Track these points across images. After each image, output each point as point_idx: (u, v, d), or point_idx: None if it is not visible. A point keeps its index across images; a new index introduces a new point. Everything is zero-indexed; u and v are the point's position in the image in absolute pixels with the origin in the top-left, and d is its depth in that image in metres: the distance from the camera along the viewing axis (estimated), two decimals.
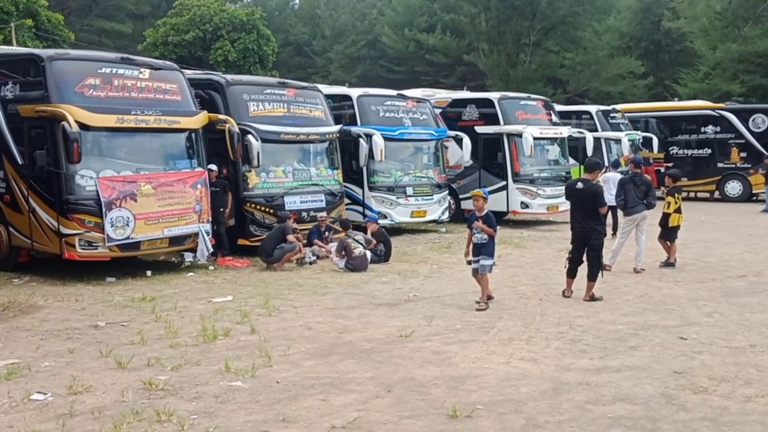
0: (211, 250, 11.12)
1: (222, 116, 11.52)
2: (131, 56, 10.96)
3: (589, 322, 7.73)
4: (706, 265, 11.57)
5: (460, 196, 17.58)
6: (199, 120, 11.07)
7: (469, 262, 8.65)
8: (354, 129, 14.49)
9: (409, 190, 15.20)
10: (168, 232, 10.38)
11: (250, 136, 11.66)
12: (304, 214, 12.59)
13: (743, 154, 24.43)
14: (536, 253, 12.94)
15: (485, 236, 8.38)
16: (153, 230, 10.19)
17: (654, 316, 8.01)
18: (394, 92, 16.45)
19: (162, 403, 5.10)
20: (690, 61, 40.06)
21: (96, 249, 9.85)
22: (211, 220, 11.06)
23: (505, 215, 17.72)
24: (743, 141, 24.43)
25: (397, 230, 15.34)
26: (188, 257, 11.30)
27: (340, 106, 15.22)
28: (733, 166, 24.64)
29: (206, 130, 11.27)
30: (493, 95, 18.17)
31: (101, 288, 9.61)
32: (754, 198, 23.97)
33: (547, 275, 10.61)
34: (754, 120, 24.50)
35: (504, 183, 16.99)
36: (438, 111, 17.23)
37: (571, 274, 9.09)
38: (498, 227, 16.58)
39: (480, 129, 17.25)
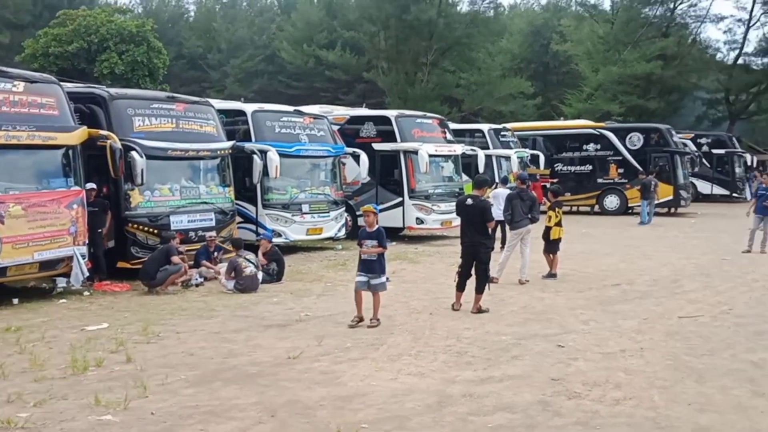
0: (87, 274, 10.48)
1: (103, 132, 10.98)
2: (4, 68, 10.28)
3: (475, 334, 7.95)
4: (585, 275, 12.19)
5: (357, 213, 17.68)
6: (77, 136, 10.47)
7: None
8: (248, 145, 14.27)
9: (305, 207, 15.11)
10: (39, 256, 9.67)
11: (133, 153, 11.14)
12: (192, 233, 12.16)
13: (621, 171, 26.11)
14: (430, 268, 13.19)
15: (375, 253, 8.40)
16: (22, 254, 9.45)
17: (536, 326, 8.35)
18: (290, 108, 16.36)
19: None
20: (575, 83, 42.38)
21: None
22: (87, 242, 10.48)
23: (401, 231, 18.02)
24: (621, 158, 26.10)
25: (293, 248, 15.21)
26: (61, 282, 10.53)
27: (233, 122, 14.95)
28: (612, 181, 26.27)
29: (86, 146, 10.67)
30: (390, 113, 18.48)
31: None
32: (630, 211, 25.58)
33: (439, 289, 10.81)
34: (630, 138, 26.23)
35: (400, 199, 17.28)
36: (336, 128, 17.29)
37: (460, 287, 9.32)
38: (393, 243, 17.04)
39: (377, 146, 17.48)
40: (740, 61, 46.16)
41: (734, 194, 33.83)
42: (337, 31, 45.46)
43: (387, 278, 10.99)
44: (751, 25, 44.90)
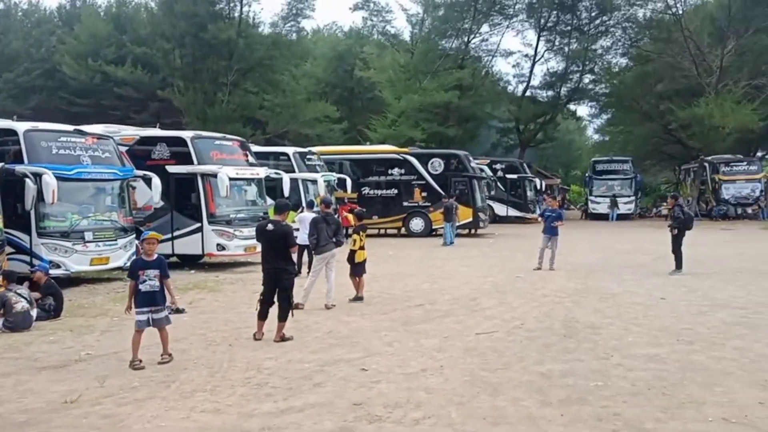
0: None
1: None
2: None
3: (277, 364, 7.80)
4: (390, 296, 12.58)
5: None
6: None
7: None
8: (19, 168, 12.99)
9: (89, 235, 14.02)
10: None
11: None
12: None
13: (425, 194, 27.60)
14: (231, 297, 12.83)
15: (158, 283, 7.86)
16: None
17: (340, 351, 8.40)
18: (70, 127, 15.14)
19: None
20: (379, 109, 44.25)
21: None
22: None
23: (201, 258, 17.39)
24: (424, 182, 27.58)
25: (75, 281, 14.02)
26: None
27: (3, 142, 13.63)
28: (417, 204, 27.67)
29: None
30: (186, 134, 17.85)
31: None
32: (434, 233, 27.05)
33: (240, 319, 10.53)
34: (432, 163, 27.83)
35: (199, 225, 16.72)
36: (124, 149, 16.34)
37: (262, 315, 9.14)
38: (192, 271, 16.39)
39: (172, 169, 16.78)
40: (528, 93, 51.23)
41: (527, 215, 37.25)
42: (128, 47, 43.26)
43: (183, 309, 10.56)
44: (536, 60, 50.15)
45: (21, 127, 14.04)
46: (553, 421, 5.78)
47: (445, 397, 6.49)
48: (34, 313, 10.04)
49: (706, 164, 39.62)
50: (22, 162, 13.27)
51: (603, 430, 5.54)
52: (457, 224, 25.27)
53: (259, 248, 16.29)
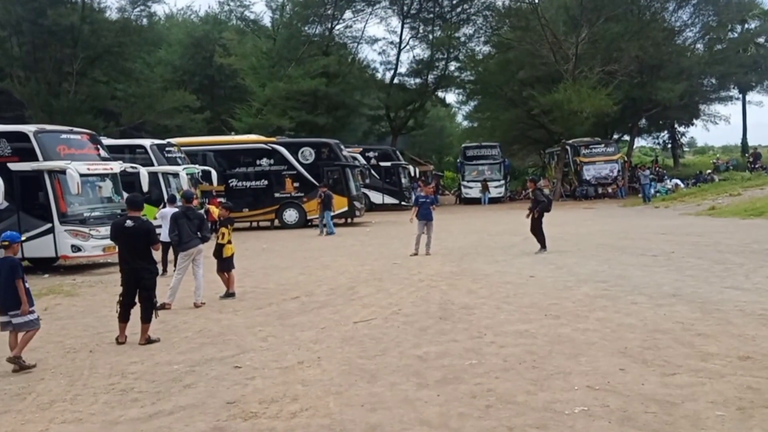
0: None
1: None
2: None
3: (143, 368, 7.56)
4: (264, 291, 12.48)
5: None
6: None
7: None
8: None
9: None
10: None
11: None
12: None
13: (297, 184, 27.49)
14: (90, 300, 12.26)
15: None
16: None
17: (212, 350, 8.26)
18: None
19: None
20: (244, 97, 43.43)
21: None
22: None
23: (55, 261, 16.44)
24: (295, 172, 27.45)
25: None
26: None
27: None
28: (289, 195, 27.50)
29: None
30: (28, 128, 16.72)
31: None
32: (309, 223, 27.06)
33: (101, 323, 10.10)
34: (302, 153, 27.76)
35: (50, 225, 15.81)
36: None
37: (124, 318, 8.83)
38: (46, 275, 15.49)
39: (14, 166, 15.72)
40: (396, 80, 52.22)
41: (402, 203, 38.05)
42: None
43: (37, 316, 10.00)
44: (402, 47, 51.19)
45: None
46: (429, 402, 6.01)
47: (323, 388, 6.56)
48: None
49: (568, 147, 42.16)
50: None
51: (477, 407, 5.82)
52: (332, 213, 25.39)
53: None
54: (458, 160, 46.27)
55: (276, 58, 43.28)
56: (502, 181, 43.52)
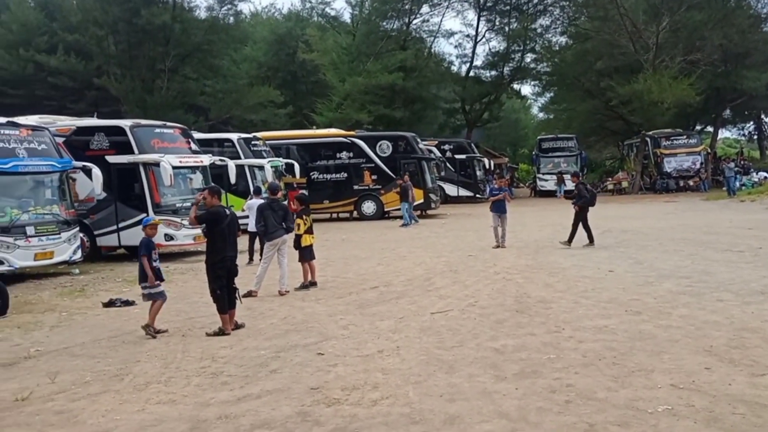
0: None
1: None
2: None
3: (232, 352, 7.77)
4: (344, 280, 12.62)
5: (96, 233, 16.47)
6: None
7: None
8: None
9: (30, 230, 13.61)
10: None
11: None
12: None
13: (374, 177, 27.62)
14: (182, 287, 12.68)
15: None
16: None
17: (296, 336, 8.41)
18: (3, 119, 14.61)
19: None
20: (324, 92, 43.93)
21: None
22: None
23: None
24: (373, 165, 27.60)
25: (19, 277, 13.63)
26: None
27: None
28: (367, 187, 27.67)
29: None
30: (124, 123, 17.44)
31: None
32: (387, 215, 27.19)
33: (192, 308, 10.45)
34: (380, 146, 27.87)
35: (144, 215, 16.34)
36: (60, 140, 15.87)
37: (231, 305, 8.94)
38: None
39: (112, 159, 16.40)
40: (472, 73, 51.67)
41: (477, 195, 37.72)
42: (59, 34, 41.73)
43: (133, 301, 10.59)
44: (478, 40, 50.57)
45: None
46: (508, 395, 5.93)
47: (402, 377, 6.58)
48: None
49: (648, 139, 40.76)
50: None
51: (556, 402, 5.71)
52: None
53: None
54: (533, 153, 45.47)
55: (355, 54, 43.56)
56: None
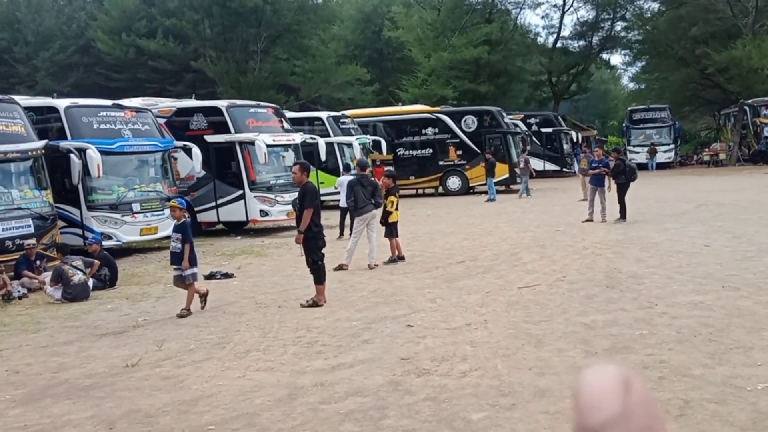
0: None
1: None
2: None
3: (325, 323, 7.97)
4: (431, 255, 12.65)
5: (196, 209, 17.14)
6: None
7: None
8: (63, 144, 13.28)
9: (136, 207, 14.35)
10: None
11: None
12: (8, 242, 11.25)
13: (459, 152, 27.37)
14: (277, 261, 13.06)
15: (179, 245, 8.55)
16: None
17: (385, 309, 8.53)
18: (109, 102, 15.42)
19: None
20: (409, 69, 43.71)
21: None
22: None
23: (245, 224, 17.69)
24: (458, 140, 27.34)
25: (126, 250, 14.42)
26: None
27: (44, 119, 13.89)
28: (452, 163, 27.47)
29: None
30: (221, 103, 17.99)
31: None
32: (472, 191, 26.96)
33: (287, 281, 10.75)
34: (465, 121, 27.56)
35: (241, 192, 16.95)
36: (162, 120, 16.57)
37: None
38: (238, 237, 16.68)
39: (210, 138, 16.97)
40: (559, 44, 50.00)
41: (564, 169, 36.75)
42: (157, 19, 43.35)
43: (232, 274, 10.91)
44: (565, 10, 48.82)
45: (61, 104, 14.31)
46: None
47: (491, 350, 6.57)
48: (90, 283, 10.38)
49: (747, 108, 38.42)
50: (65, 138, 13.53)
51: (649, 377, 5.55)
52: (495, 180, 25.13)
53: None
54: (624, 124, 43.75)
55: (440, 29, 43.05)
56: (672, 145, 40.61)
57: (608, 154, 19.32)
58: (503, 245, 13.41)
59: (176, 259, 8.71)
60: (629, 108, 44.63)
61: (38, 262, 11.33)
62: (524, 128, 34.31)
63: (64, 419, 5.26)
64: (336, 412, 5.15)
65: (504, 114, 29.07)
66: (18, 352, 7.37)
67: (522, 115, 36.81)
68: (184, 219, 8.83)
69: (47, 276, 10.64)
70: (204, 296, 8.92)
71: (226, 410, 5.31)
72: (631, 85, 62.86)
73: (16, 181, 12.14)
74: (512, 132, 28.75)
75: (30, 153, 12.05)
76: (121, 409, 5.43)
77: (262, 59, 38.95)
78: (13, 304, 10.15)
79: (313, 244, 9.00)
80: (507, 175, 27.09)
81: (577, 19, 50.65)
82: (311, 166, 20.59)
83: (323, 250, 9.12)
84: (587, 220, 15.98)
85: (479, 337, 7.04)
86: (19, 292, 10.51)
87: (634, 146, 40.86)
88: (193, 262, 8.68)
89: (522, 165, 25.12)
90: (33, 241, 11.43)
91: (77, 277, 10.16)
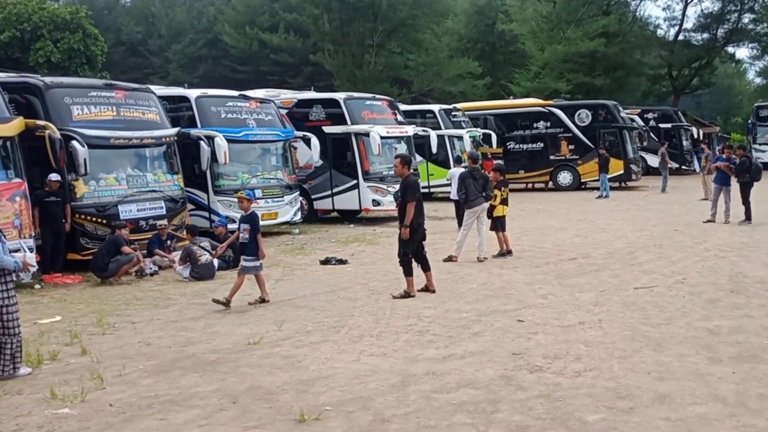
0: (36, 267, 10.17)
1: (41, 122, 10.61)
2: None
3: (436, 313, 7.96)
4: (541, 250, 12.34)
5: (313, 197, 17.60)
6: (13, 127, 10.12)
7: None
8: (194, 131, 13.95)
9: (258, 193, 14.85)
10: None
11: (74, 143, 10.82)
12: (143, 222, 11.94)
13: (572, 147, 26.50)
14: (388, 249, 13.12)
15: (247, 236, 8.54)
16: None
17: (495, 302, 8.41)
18: (235, 93, 16.07)
19: None
20: (522, 62, 42.73)
21: None
22: (36, 234, 10.18)
23: (358, 213, 17.98)
24: (571, 135, 26.47)
25: None
26: None
27: (177, 108, 14.63)
28: (564, 157, 26.65)
29: (25, 137, 10.31)
30: (339, 95, 18.32)
31: None
32: (583, 186, 26.08)
33: (398, 270, 10.63)
34: (579, 115, 26.64)
35: (355, 182, 17.22)
36: (284, 112, 17.07)
37: (426, 267, 9.14)
38: (351, 225, 16.97)
39: (328, 129, 17.33)
40: (680, 37, 47.25)
41: (683, 167, 34.80)
42: (280, 14, 44.71)
43: (346, 260, 11.08)
44: (689, 1, 46.05)
45: (192, 93, 15.03)
46: (724, 379, 5.47)
47: (606, 351, 6.32)
48: (216, 263, 10.88)
49: None
50: (195, 126, 14.20)
51: None
52: (608, 177, 24.16)
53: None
54: (749, 121, 40.84)
55: (555, 21, 41.76)
56: None
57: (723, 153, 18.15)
58: (617, 243, 12.88)
59: (244, 249, 8.65)
60: (756, 104, 41.57)
61: (169, 242, 11.98)
62: (641, 123, 32.74)
63: (192, 391, 5.53)
64: (448, 402, 5.12)
65: (620, 108, 27.86)
66: (150, 325, 7.82)
67: (639, 110, 35.11)
68: (252, 210, 8.80)
69: (177, 255, 11.25)
70: (261, 300, 8.72)
71: (341, 392, 5.41)
72: (758, 80, 58.69)
73: (151, 165, 12.81)
74: (628, 127, 27.51)
75: (164, 139, 12.72)
76: (244, 385, 5.64)
77: (377, 53, 39.32)
78: (146, 279, 10.80)
79: (408, 237, 8.95)
80: (621, 172, 25.98)
81: (701, 10, 47.67)
82: (422, 158, 20.85)
83: (424, 242, 9.07)
84: (709, 221, 15.08)
85: (593, 337, 6.80)
86: (150, 269, 11.15)
87: (760, 144, 38.04)
88: (254, 253, 8.55)
89: (660, 159, 24.75)
90: (164, 222, 12.08)
91: (204, 257, 10.68)
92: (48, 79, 11.95)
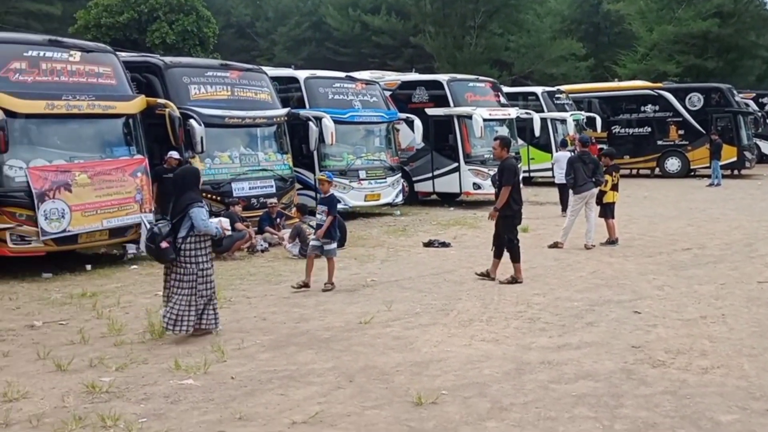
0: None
1: (161, 100, 10.98)
2: (60, 38, 10.33)
3: (545, 300, 7.72)
4: (652, 239, 11.76)
5: (414, 179, 17.52)
6: (136, 104, 10.52)
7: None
8: (303, 112, 14.12)
9: (362, 174, 14.97)
10: (107, 223, 9.80)
11: (192, 121, 11.15)
12: (254, 200, 12.22)
13: (681, 132, 25.10)
14: (490, 234, 12.71)
15: (324, 217, 8.37)
16: (91, 222, 9.59)
17: (608, 292, 8.06)
18: (342, 74, 16.16)
19: (107, 407, 4.72)
20: (628, 43, 40.81)
21: (29, 244, 9.18)
22: (155, 209, 10.62)
23: (458, 196, 17.77)
24: (681, 119, 25.06)
25: (352, 214, 15.11)
26: (131, 249, 10.65)
27: (286, 89, 14.84)
28: (672, 143, 25.28)
29: (145, 115, 10.71)
30: (442, 77, 18.08)
31: (37, 285, 8.98)
32: (692, 174, 24.67)
33: (503, 255, 10.55)
34: (690, 99, 25.15)
35: (456, 164, 17.00)
36: (387, 93, 17.02)
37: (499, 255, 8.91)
38: (451, 208, 16.80)
39: (430, 111, 17.17)
40: None
41: None
42: None
43: (449, 243, 10.92)
44: None
45: (302, 75, 15.22)
46: None
47: (733, 348, 5.92)
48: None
49: None
50: (303, 107, 14.37)
51: None
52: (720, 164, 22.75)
53: None
54: None
55: (666, 1, 39.54)
56: None
57: None
58: (734, 234, 12.10)
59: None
60: None
61: (278, 220, 12.22)
62: (756, 108, 30.54)
63: (309, 368, 5.57)
64: (567, 394, 4.92)
65: (734, 92, 26.08)
66: (264, 301, 7.97)
67: (754, 94, 32.73)
68: (331, 192, 8.65)
69: (286, 233, 11.46)
70: (305, 285, 8.36)
71: (456, 377, 5.31)
72: None
73: (262, 144, 13.06)
74: (743, 112, 25.72)
75: (275, 119, 12.95)
76: (359, 364, 5.65)
77: (478, 34, 38.54)
78: (257, 256, 11.06)
79: (509, 222, 8.73)
80: (734, 159, 24.38)
81: None
82: (523, 142, 20.32)
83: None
84: None
85: (718, 332, 6.38)
86: (261, 245, 11.42)
87: None
88: (332, 237, 8.41)
89: None
90: (274, 200, 12.34)
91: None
92: (167, 59, 12.40)
